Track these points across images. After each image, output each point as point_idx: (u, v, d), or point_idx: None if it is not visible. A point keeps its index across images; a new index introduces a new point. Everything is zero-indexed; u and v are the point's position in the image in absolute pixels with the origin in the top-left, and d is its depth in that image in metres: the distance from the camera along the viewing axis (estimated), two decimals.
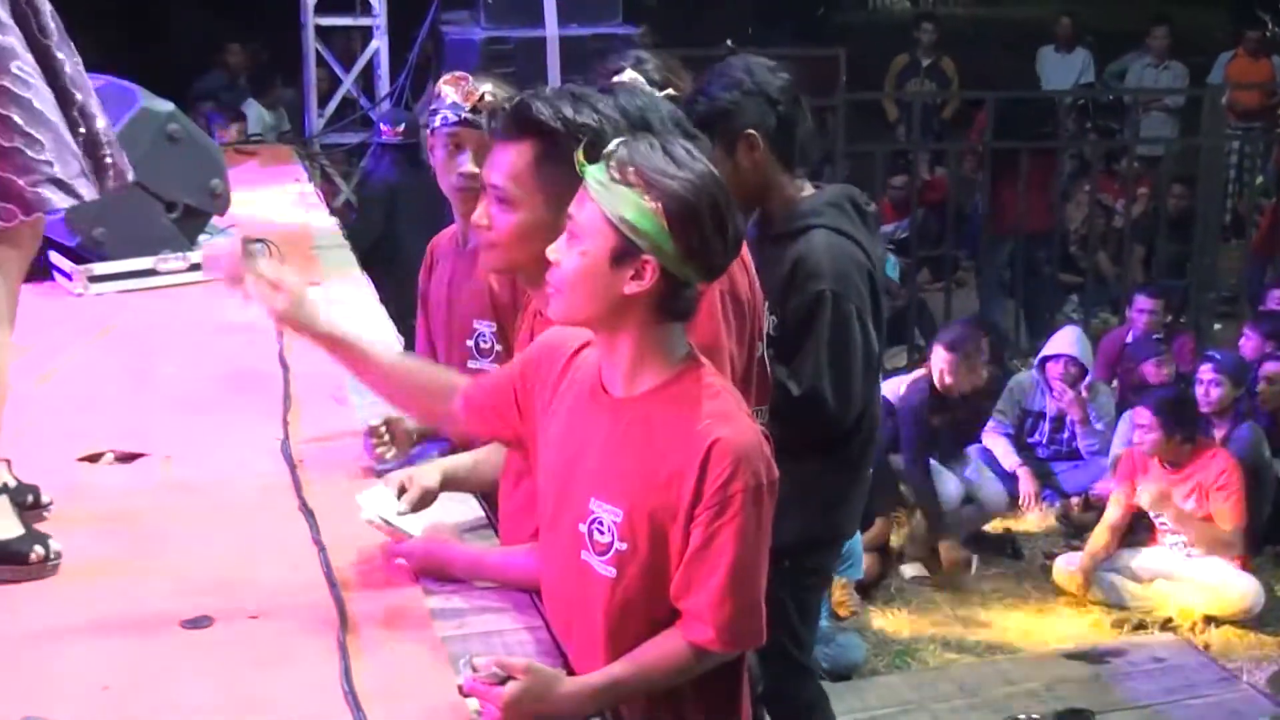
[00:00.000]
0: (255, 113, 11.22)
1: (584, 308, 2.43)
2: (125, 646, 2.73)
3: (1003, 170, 9.74)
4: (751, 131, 3.50)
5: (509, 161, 2.73)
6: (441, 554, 2.92)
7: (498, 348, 3.53)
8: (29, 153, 2.90)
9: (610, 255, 2.36)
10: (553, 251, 2.45)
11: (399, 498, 2.93)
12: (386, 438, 3.60)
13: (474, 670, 2.41)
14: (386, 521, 2.95)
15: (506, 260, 2.85)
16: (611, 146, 2.40)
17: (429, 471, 2.98)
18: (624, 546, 2.43)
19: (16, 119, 2.88)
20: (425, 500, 2.95)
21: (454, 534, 3.00)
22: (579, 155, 2.42)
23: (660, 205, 2.33)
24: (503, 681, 2.37)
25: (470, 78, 3.51)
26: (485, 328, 3.61)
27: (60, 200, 2.98)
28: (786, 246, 3.57)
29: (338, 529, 3.12)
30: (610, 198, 2.36)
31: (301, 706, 2.51)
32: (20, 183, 2.90)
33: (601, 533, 2.46)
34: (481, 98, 3.44)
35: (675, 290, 2.39)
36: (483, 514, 3.28)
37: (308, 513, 3.26)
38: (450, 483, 3.01)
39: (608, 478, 2.46)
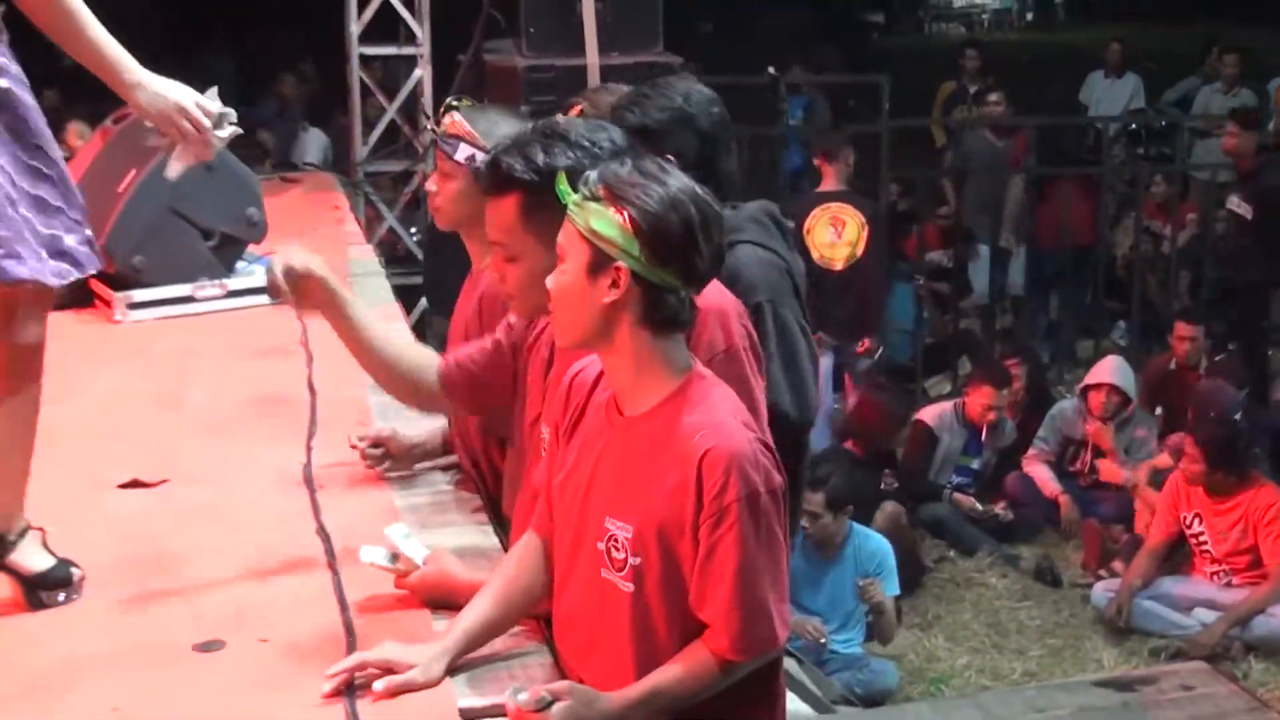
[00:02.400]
0: (320, 141, 11.32)
1: (575, 326, 2.52)
2: (137, 669, 2.79)
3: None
4: (670, 156, 3.51)
5: (500, 217, 2.85)
6: (447, 584, 2.96)
7: None
8: (70, 213, 2.98)
9: (587, 268, 2.46)
10: (548, 282, 2.54)
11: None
12: (377, 452, 3.69)
13: (518, 700, 2.45)
14: (394, 556, 3.00)
15: (528, 308, 2.94)
16: (588, 174, 2.49)
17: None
18: (638, 561, 2.49)
19: (55, 178, 2.95)
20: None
21: (459, 563, 3.04)
22: (562, 186, 2.51)
23: (626, 214, 2.42)
24: (549, 706, 2.42)
25: (460, 105, 3.57)
26: None
27: (92, 265, 3.05)
28: None
29: (353, 552, 3.14)
30: (581, 214, 2.46)
31: None
32: (69, 240, 2.97)
33: (618, 550, 2.52)
34: (452, 122, 3.52)
35: (655, 297, 2.45)
36: (494, 539, 3.33)
37: (324, 536, 3.32)
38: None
39: (618, 496, 2.53)
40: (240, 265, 5.57)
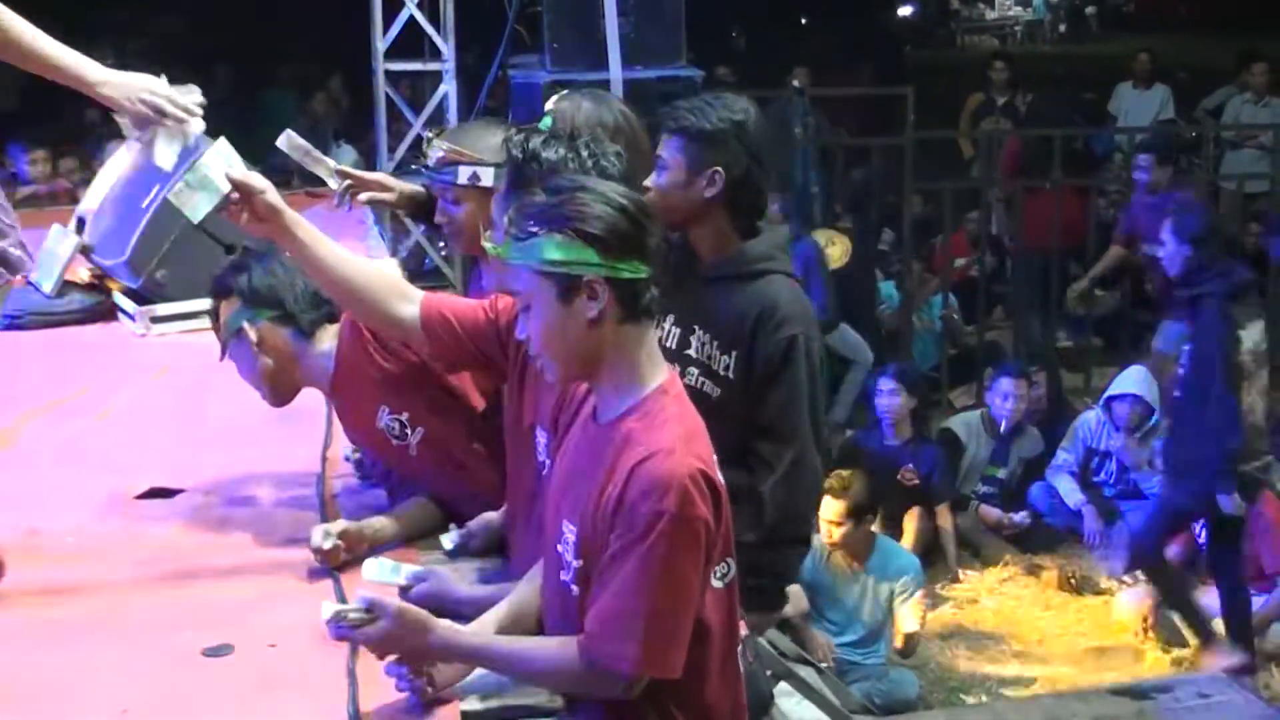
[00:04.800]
0: (351, 158, 11.40)
1: (568, 359, 2.53)
2: (147, 673, 2.86)
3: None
4: (719, 170, 3.44)
5: None
6: (449, 596, 3.01)
7: None
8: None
9: (558, 299, 2.46)
10: (520, 334, 2.61)
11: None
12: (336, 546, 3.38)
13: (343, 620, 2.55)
14: (396, 569, 3.05)
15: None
16: (511, 218, 2.53)
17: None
18: (581, 564, 2.53)
19: None
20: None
21: (461, 576, 3.09)
22: (494, 249, 2.60)
23: (564, 232, 2.44)
24: (370, 622, 2.53)
25: (435, 136, 3.61)
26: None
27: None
28: (740, 289, 3.51)
29: (359, 560, 3.19)
30: (527, 255, 2.47)
31: None
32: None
33: (567, 553, 2.56)
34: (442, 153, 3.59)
35: (630, 290, 2.47)
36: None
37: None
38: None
39: (573, 499, 2.56)
40: None
